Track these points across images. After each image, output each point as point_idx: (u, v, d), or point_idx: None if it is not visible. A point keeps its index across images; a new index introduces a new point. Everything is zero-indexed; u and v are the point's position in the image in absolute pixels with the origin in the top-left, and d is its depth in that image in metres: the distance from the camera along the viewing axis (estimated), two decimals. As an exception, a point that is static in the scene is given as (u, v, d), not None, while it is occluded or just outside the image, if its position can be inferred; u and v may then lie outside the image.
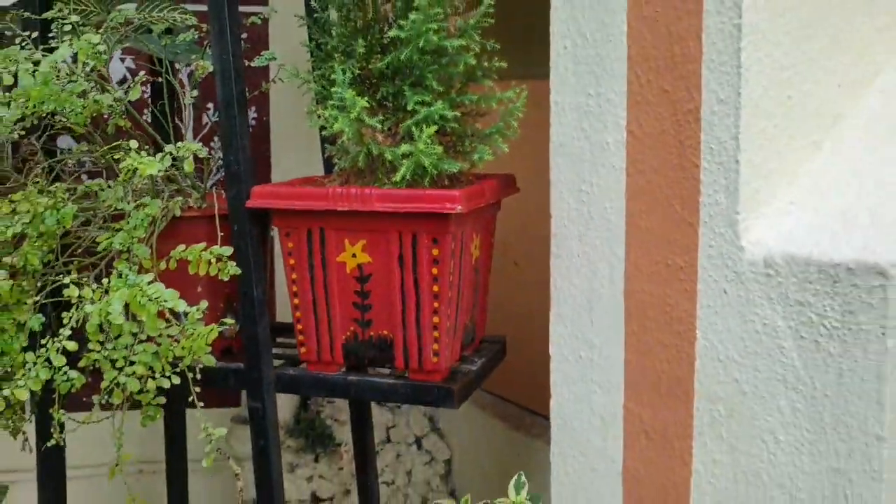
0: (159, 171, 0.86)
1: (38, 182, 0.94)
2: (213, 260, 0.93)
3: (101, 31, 1.14)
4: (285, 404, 2.00)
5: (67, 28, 0.95)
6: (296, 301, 1.09)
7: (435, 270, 1.01)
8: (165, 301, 0.78)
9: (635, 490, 1.04)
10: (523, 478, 1.09)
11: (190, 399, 0.90)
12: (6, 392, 0.79)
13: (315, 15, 1.07)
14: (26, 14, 0.99)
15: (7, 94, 0.83)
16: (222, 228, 1.05)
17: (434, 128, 0.97)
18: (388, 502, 1.91)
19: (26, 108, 0.83)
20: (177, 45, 1.19)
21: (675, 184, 0.95)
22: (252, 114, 2.00)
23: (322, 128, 1.07)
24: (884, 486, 0.82)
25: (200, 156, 0.99)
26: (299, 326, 1.10)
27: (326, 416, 1.95)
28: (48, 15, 0.99)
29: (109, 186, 0.96)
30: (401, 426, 1.94)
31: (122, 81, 1.91)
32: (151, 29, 1.24)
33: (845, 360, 0.83)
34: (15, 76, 0.86)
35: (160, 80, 1.20)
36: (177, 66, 1.35)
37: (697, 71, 0.91)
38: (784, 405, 0.88)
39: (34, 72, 0.83)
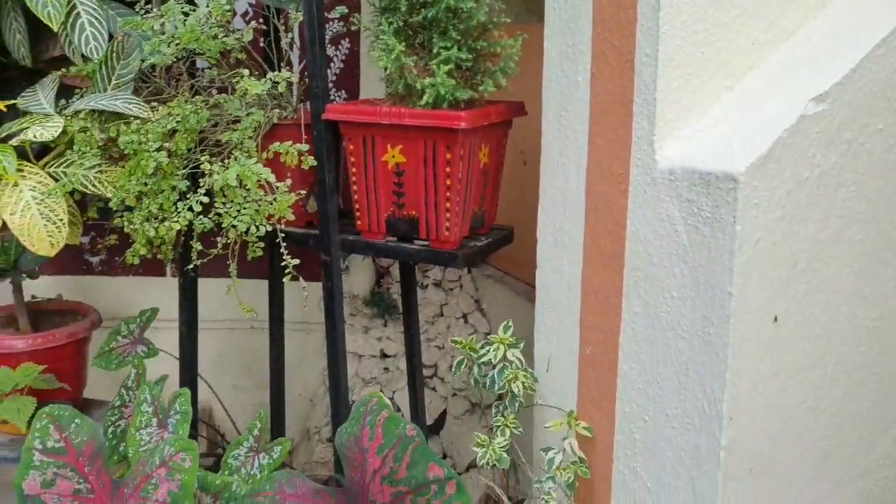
0: (262, 90, 1.31)
1: (184, 94, 1.41)
2: (297, 154, 1.38)
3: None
4: (364, 282, 2.50)
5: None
6: (354, 188, 1.54)
7: (448, 169, 1.43)
8: (261, 174, 1.24)
9: (587, 333, 1.45)
10: (510, 323, 1.52)
11: (277, 241, 1.38)
12: (167, 224, 1.28)
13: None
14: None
15: (165, 35, 1.29)
16: (307, 133, 1.51)
17: (450, 66, 1.37)
18: (438, 361, 2.39)
19: (178, 45, 1.29)
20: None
21: (619, 113, 1.32)
22: (347, 45, 2.43)
23: (380, 62, 1.49)
24: (731, 327, 1.19)
25: (292, 81, 1.44)
26: (356, 206, 1.55)
27: (394, 292, 2.43)
28: (193, -21, 1.46)
29: (231, 100, 1.42)
30: (451, 304, 2.40)
31: (245, 14, 2.38)
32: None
33: (712, 240, 1.20)
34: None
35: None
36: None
37: (633, 32, 1.26)
38: (677, 272, 1.26)
39: (184, 21, 1.28)
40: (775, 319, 1.25)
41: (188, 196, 1.34)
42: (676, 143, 1.27)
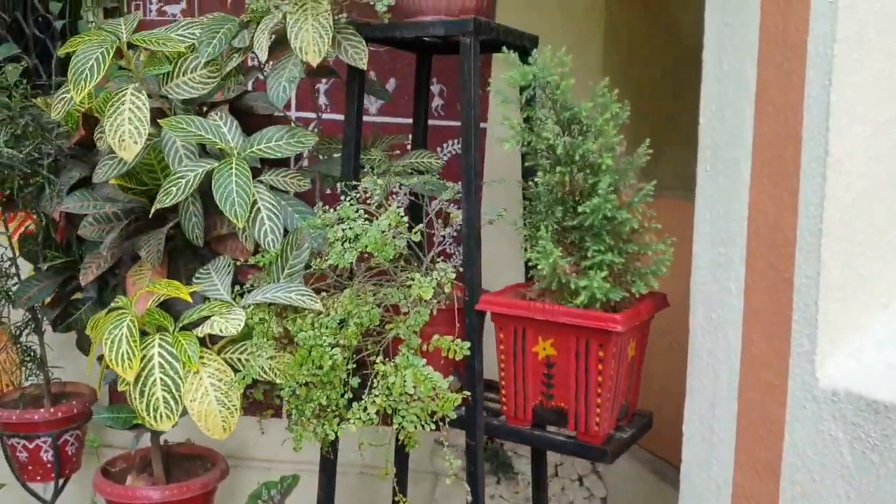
0: (431, 293, 1.40)
1: (356, 291, 1.51)
2: (455, 347, 1.45)
3: (385, 175, 1.73)
4: (476, 435, 2.52)
5: (377, 194, 1.53)
6: (502, 374, 1.59)
7: (600, 366, 1.48)
8: (435, 381, 1.31)
9: (736, 539, 1.44)
10: (654, 519, 1.52)
11: (440, 440, 1.43)
12: (342, 427, 1.36)
13: (529, 190, 1.59)
14: (349, 182, 1.59)
15: (347, 241, 1.41)
16: (459, 321, 1.58)
17: (605, 272, 1.44)
18: (553, 525, 2.37)
19: (359, 250, 1.40)
20: (433, 185, 1.75)
21: (775, 326, 1.36)
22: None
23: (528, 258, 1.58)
24: (904, 559, 1.17)
25: (451, 277, 1.53)
26: (503, 392, 1.60)
27: (508, 449, 2.45)
28: (363, 181, 1.59)
29: (395, 293, 1.51)
30: (567, 465, 2.39)
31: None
32: (419, 171, 1.82)
33: (882, 468, 1.20)
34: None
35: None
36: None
37: (793, 253, 1.31)
38: (841, 493, 1.26)
39: (365, 229, 1.40)
40: (951, 549, 1.22)
41: (361, 394, 1.42)
42: (838, 363, 1.29)
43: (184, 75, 1.73)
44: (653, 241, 1.53)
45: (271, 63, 1.71)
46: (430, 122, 2.44)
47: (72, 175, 2.17)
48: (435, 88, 2.59)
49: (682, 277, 1.55)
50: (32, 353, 2.46)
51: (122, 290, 2.15)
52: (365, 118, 2.57)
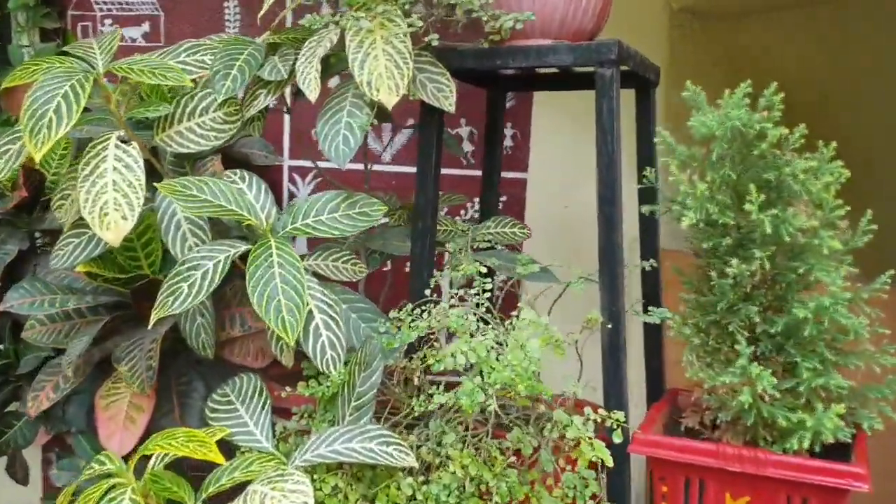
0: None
1: (463, 434, 1.03)
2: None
3: (464, 251, 1.27)
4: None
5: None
6: (664, 541, 1.13)
7: (824, 537, 1.03)
8: None
9: None
10: None
11: None
12: None
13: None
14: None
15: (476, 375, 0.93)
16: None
17: (842, 407, 1.00)
18: None
19: (498, 385, 0.92)
20: (544, 274, 1.29)
21: None
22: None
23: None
24: None
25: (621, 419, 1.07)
26: (665, 565, 1.13)
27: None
28: (465, 271, 1.11)
29: (525, 439, 1.04)
30: None
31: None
32: (494, 245, 1.36)
33: None
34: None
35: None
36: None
37: None
38: None
39: (497, 357, 0.93)
40: None
41: None
42: None
43: (188, 119, 1.22)
44: (877, 351, 1.11)
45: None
46: (458, 171, 2.00)
47: (6, 250, 1.61)
48: (463, 131, 2.14)
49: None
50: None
51: (83, 405, 1.58)
52: (377, 167, 2.09)
